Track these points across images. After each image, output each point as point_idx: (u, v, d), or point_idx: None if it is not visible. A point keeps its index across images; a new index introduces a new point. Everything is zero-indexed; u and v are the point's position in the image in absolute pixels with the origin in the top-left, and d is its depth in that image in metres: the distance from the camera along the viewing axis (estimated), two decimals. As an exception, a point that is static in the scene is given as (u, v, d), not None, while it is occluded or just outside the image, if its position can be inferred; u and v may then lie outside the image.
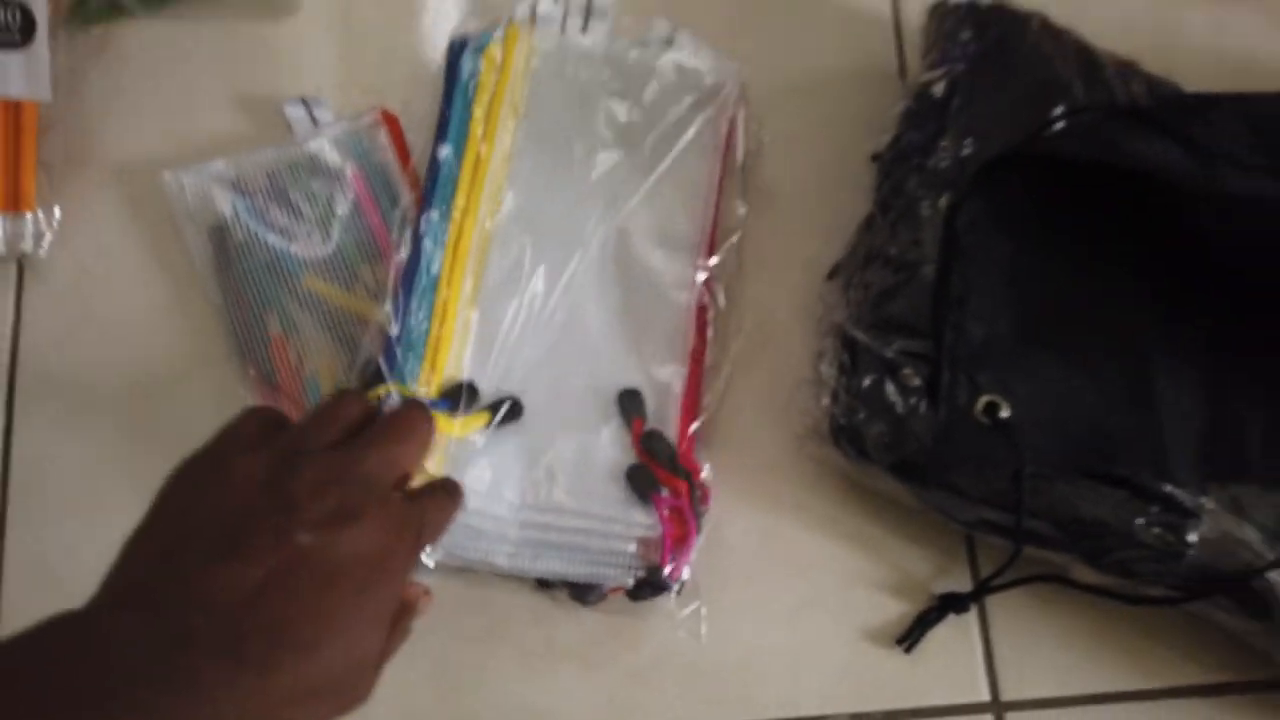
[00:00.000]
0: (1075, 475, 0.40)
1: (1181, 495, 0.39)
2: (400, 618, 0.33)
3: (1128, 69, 0.47)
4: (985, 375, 0.40)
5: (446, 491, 0.36)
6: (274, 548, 0.29)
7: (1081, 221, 0.44)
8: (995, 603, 0.44)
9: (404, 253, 0.45)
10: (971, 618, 0.44)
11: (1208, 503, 0.39)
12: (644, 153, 0.47)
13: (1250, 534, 0.39)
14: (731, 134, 0.48)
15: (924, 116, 0.45)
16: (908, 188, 0.44)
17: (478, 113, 0.47)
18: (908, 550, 0.45)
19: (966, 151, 0.44)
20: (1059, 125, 0.42)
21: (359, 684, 0.31)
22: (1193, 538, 0.39)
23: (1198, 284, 0.42)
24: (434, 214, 0.45)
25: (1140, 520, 0.39)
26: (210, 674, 0.27)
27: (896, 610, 0.44)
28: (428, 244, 0.45)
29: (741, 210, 0.48)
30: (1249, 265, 0.42)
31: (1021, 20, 0.47)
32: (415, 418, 0.35)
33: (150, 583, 0.29)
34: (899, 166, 0.44)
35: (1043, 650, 0.44)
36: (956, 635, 0.44)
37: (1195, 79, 0.47)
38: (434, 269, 0.44)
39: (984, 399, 0.40)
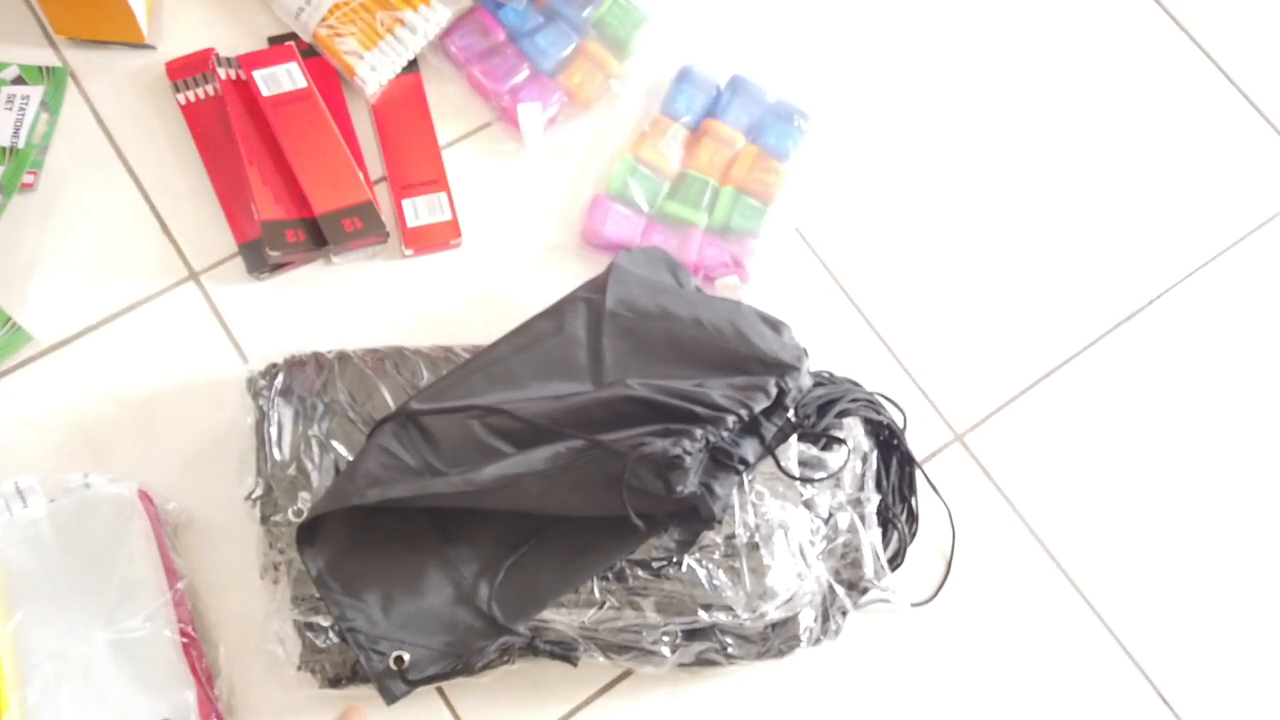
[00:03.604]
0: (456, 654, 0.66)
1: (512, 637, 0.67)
2: None
3: (390, 361, 0.76)
4: (384, 644, 0.65)
5: None
6: None
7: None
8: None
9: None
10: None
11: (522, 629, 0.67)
12: (97, 566, 0.69)
13: (560, 625, 0.67)
14: (155, 524, 0.71)
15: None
16: (276, 517, 0.69)
17: (-28, 608, 0.66)
18: None
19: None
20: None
21: None
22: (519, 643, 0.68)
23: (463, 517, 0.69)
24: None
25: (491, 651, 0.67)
26: None
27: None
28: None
29: (181, 563, 0.71)
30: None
31: (300, 369, 0.73)
32: None
33: None
34: (265, 500, 0.70)
35: None
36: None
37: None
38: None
39: (394, 655, 0.65)
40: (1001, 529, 0.81)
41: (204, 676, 0.68)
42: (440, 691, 0.72)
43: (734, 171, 0.87)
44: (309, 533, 0.66)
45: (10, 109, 0.85)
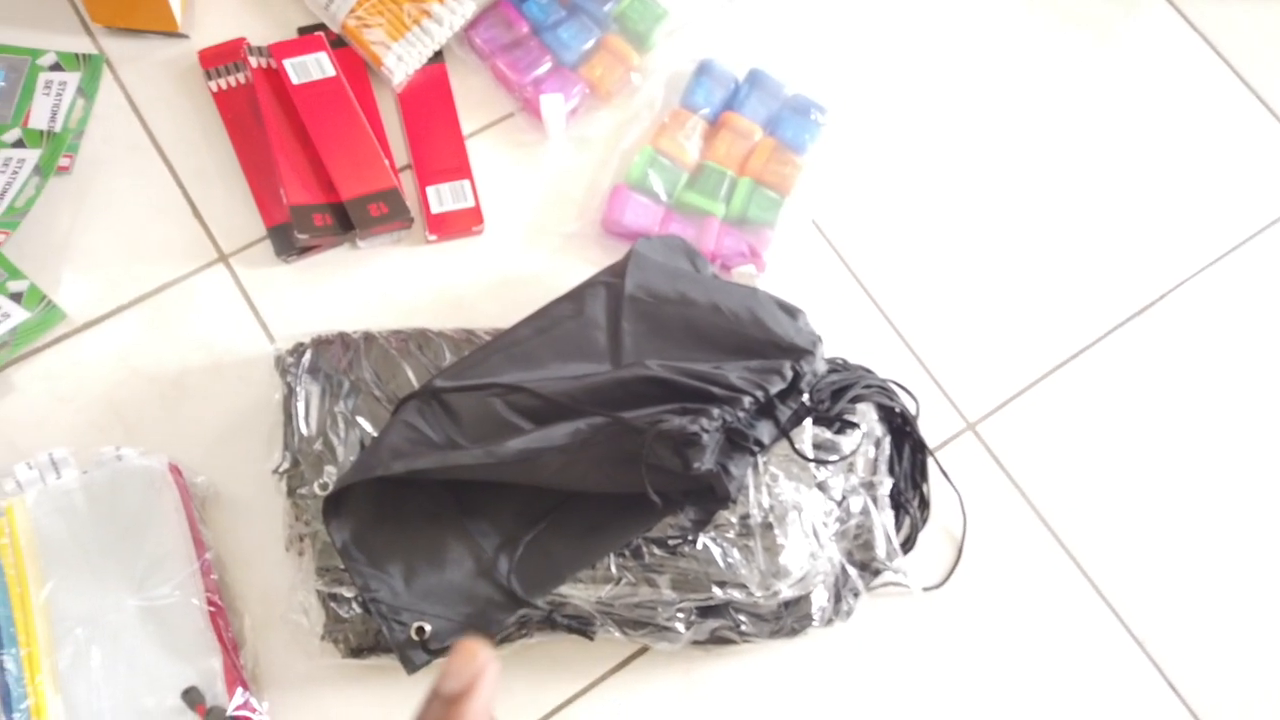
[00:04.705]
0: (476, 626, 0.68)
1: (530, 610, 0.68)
2: None
3: (414, 342, 0.77)
4: (406, 615, 0.66)
5: None
6: None
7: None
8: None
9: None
10: None
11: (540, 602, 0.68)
12: (129, 536, 0.71)
13: (577, 600, 0.69)
14: (184, 496, 0.73)
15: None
16: (302, 490, 0.71)
17: (10, 573, 0.69)
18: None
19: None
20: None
21: None
22: (537, 616, 0.70)
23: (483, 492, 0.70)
24: (7, 656, 0.66)
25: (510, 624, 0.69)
26: None
27: None
28: (11, 670, 0.66)
29: (209, 535, 0.73)
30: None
31: (326, 348, 0.75)
32: (461, 666, 0.38)
33: None
34: (292, 474, 0.72)
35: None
36: None
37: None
38: (22, 688, 0.65)
39: (415, 626, 0.67)
40: (1012, 517, 0.82)
41: (230, 645, 0.70)
42: (459, 665, 0.74)
43: (751, 163, 0.89)
44: (334, 505, 0.67)
45: (48, 94, 0.87)
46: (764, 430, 0.70)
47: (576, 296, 0.75)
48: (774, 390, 0.69)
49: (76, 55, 0.89)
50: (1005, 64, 0.98)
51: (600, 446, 0.65)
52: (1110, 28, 1.01)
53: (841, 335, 0.82)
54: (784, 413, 0.71)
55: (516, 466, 0.65)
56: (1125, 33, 1.01)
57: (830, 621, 0.72)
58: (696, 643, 0.71)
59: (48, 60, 0.89)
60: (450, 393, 0.70)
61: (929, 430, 0.83)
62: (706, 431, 0.63)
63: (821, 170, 0.90)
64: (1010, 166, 0.94)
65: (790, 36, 0.96)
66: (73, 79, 0.88)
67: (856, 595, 0.73)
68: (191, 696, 0.68)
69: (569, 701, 0.74)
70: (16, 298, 0.81)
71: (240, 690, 0.69)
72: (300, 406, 0.72)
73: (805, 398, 0.71)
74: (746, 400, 0.67)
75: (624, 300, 0.74)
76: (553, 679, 0.74)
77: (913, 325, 0.88)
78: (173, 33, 0.91)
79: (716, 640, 0.71)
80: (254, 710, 0.69)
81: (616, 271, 0.77)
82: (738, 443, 0.69)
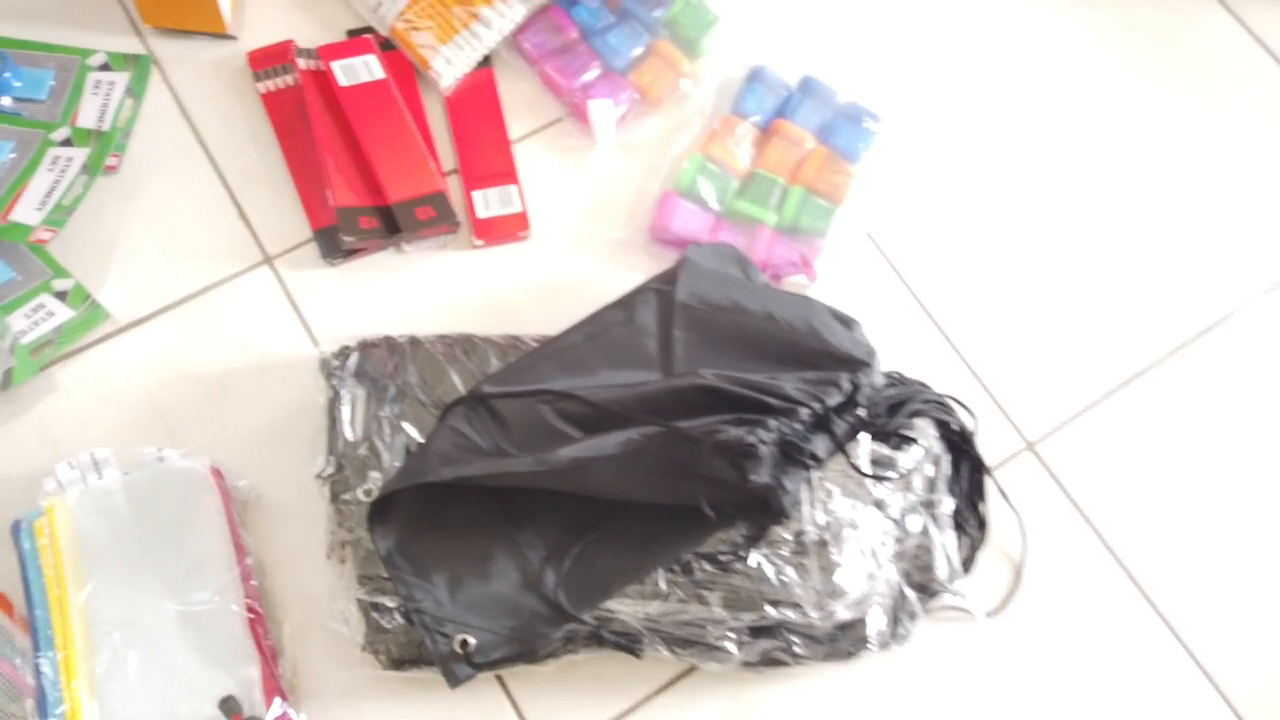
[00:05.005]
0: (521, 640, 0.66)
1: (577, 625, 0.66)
2: None
3: (460, 347, 0.76)
4: (450, 626, 0.65)
5: None
6: None
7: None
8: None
9: (31, 681, 0.64)
10: None
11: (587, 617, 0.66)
12: (169, 539, 0.70)
13: (625, 616, 0.67)
14: (226, 500, 0.71)
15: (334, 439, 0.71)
16: (345, 496, 0.70)
17: (49, 573, 0.67)
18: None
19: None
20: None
21: None
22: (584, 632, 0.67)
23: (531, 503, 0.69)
24: (44, 660, 0.65)
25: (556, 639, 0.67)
26: None
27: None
28: (48, 674, 0.65)
29: (250, 540, 0.72)
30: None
31: (372, 352, 0.74)
32: None
33: None
34: (335, 479, 0.70)
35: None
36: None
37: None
38: (58, 692, 0.64)
39: (459, 638, 0.65)
40: (1073, 541, 0.79)
41: (269, 653, 0.69)
42: (500, 680, 0.72)
43: (803, 171, 0.87)
44: (379, 512, 0.66)
45: (97, 94, 0.87)
46: (819, 444, 0.68)
47: (627, 303, 0.74)
48: (831, 402, 0.66)
49: (126, 55, 0.89)
50: (1066, 74, 0.96)
51: (653, 456, 0.63)
52: (1171, 38, 0.99)
53: (895, 349, 0.79)
54: (840, 426, 0.69)
55: (567, 475, 0.63)
56: (1187, 43, 0.99)
57: (886, 645, 0.69)
58: (747, 664, 0.69)
59: (97, 60, 0.89)
60: (498, 399, 0.68)
61: (986, 449, 0.80)
62: (764, 443, 0.61)
63: (875, 179, 0.88)
64: (1071, 178, 0.92)
65: (844, 44, 0.94)
66: (121, 79, 0.88)
67: (914, 618, 0.70)
68: (229, 705, 0.67)
69: (614, 720, 0.72)
70: (61, 296, 0.80)
71: (278, 700, 0.67)
72: (345, 411, 0.71)
73: (862, 411, 0.70)
74: (803, 412, 0.65)
75: (675, 307, 0.72)
76: (597, 698, 0.71)
77: (969, 340, 0.85)
78: (221, 34, 0.90)
79: (768, 662, 0.69)
80: (293, 721, 0.68)
81: (668, 278, 0.75)
82: (793, 456, 0.67)
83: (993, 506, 0.78)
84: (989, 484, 0.78)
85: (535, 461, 0.63)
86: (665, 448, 0.63)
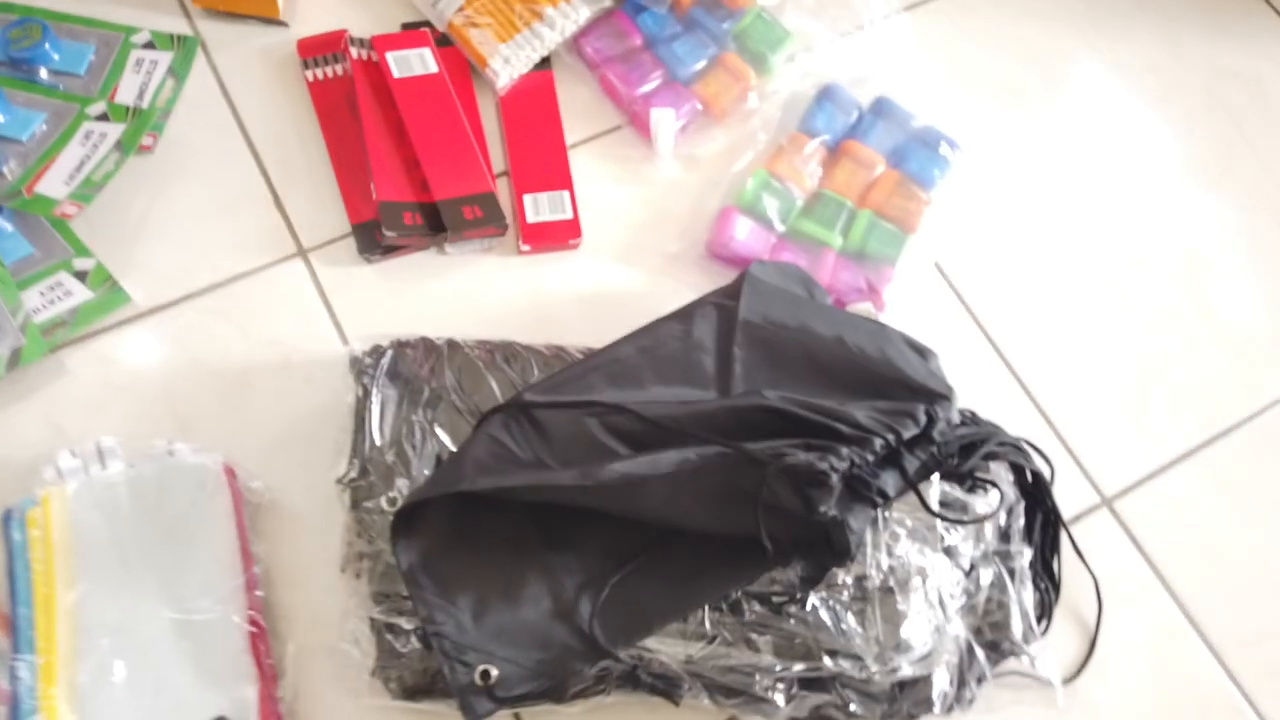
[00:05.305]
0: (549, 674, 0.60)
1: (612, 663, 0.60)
2: None
3: (501, 354, 0.71)
4: (472, 655, 0.58)
5: None
6: None
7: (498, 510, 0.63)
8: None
9: (6, 685, 0.59)
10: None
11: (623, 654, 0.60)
12: (173, 539, 0.64)
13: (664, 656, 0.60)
14: (237, 501, 0.66)
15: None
16: (368, 503, 0.64)
17: (38, 569, 0.62)
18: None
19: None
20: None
21: None
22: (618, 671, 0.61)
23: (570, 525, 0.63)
24: (21, 663, 0.59)
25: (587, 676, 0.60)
26: None
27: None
28: (24, 680, 0.59)
29: (259, 548, 0.66)
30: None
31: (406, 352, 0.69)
32: None
33: None
34: (359, 484, 0.65)
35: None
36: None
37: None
38: (33, 700, 0.58)
39: (480, 669, 0.58)
40: (1152, 607, 0.72)
41: (268, 673, 0.62)
42: (519, 720, 0.66)
43: (873, 195, 0.82)
44: (404, 523, 0.60)
45: (138, 72, 0.83)
46: (889, 481, 0.62)
47: (685, 316, 0.68)
48: (906, 434, 0.61)
49: (172, 36, 0.85)
50: (1162, 113, 0.91)
51: (711, 479, 0.57)
52: (1262, 84, 0.94)
53: (964, 390, 0.72)
54: (912, 463, 0.63)
55: (616, 494, 0.57)
56: (1277, 89, 0.94)
57: (950, 710, 0.62)
58: None
59: (141, 38, 0.85)
60: (541, 408, 0.63)
61: (1059, 502, 0.74)
62: (836, 471, 0.56)
63: (950, 209, 0.83)
64: (1161, 225, 0.86)
65: (922, 69, 0.90)
66: (165, 58, 0.84)
67: (981, 682, 0.63)
68: (221, 728, 0.61)
69: (642, 776, 0.65)
70: (81, 276, 0.76)
71: (276, 725, 0.62)
72: (375, 411, 0.65)
73: (935, 449, 0.64)
74: (877, 443, 0.59)
75: (737, 324, 0.67)
76: (625, 750, 0.66)
77: (1044, 385, 0.79)
78: (273, 20, 0.87)
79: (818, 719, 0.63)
80: (289, 750, 0.62)
81: (730, 293, 0.70)
82: (860, 492, 0.61)
83: (1065, 564, 0.72)
84: (1064, 540, 0.72)
85: (581, 475, 0.57)
86: (725, 470, 0.57)
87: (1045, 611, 0.69)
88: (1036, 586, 0.68)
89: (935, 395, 0.64)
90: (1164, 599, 0.73)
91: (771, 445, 0.57)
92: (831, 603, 0.61)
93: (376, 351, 0.69)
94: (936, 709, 0.61)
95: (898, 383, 0.64)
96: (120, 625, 0.62)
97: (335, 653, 0.64)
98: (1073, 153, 0.89)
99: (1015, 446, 0.69)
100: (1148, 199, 0.88)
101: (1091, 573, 0.71)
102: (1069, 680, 0.68)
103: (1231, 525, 0.75)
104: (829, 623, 0.60)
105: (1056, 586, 0.70)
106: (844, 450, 0.57)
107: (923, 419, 0.62)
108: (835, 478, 0.56)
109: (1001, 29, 0.94)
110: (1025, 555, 0.65)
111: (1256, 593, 0.73)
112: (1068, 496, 0.75)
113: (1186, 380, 0.81)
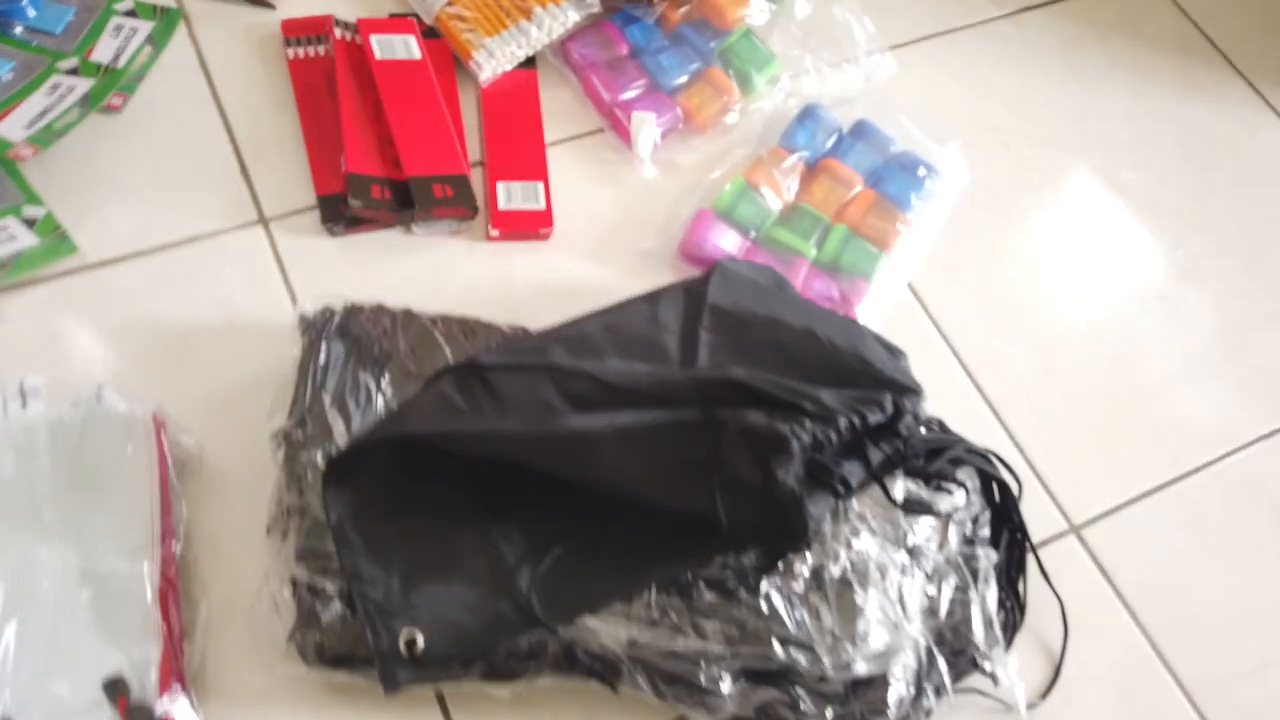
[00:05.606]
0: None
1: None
2: None
3: (459, 328, 0.68)
4: (398, 621, 0.54)
5: None
6: None
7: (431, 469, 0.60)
8: None
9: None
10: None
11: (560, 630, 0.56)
12: (89, 487, 0.60)
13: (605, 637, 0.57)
14: (161, 452, 0.62)
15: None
16: (302, 455, 0.60)
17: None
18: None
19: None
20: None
21: None
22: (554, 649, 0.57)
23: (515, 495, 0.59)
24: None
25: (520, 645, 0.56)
26: None
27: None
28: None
29: (182, 508, 0.62)
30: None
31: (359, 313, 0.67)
32: None
33: None
34: (294, 436, 0.61)
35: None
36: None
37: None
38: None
39: (405, 636, 0.55)
40: (1120, 638, 0.69)
41: (176, 633, 0.57)
42: (442, 705, 0.60)
43: (849, 212, 0.81)
44: (338, 474, 0.56)
45: (116, 37, 0.82)
46: (852, 471, 0.59)
47: (652, 298, 0.66)
48: (871, 419, 0.58)
49: (154, 6, 0.85)
50: (1136, 161, 0.92)
51: (666, 443, 0.55)
52: (1234, 142, 0.96)
53: (933, 409, 0.70)
54: (876, 455, 0.60)
55: (564, 450, 0.54)
56: (1247, 150, 0.96)
57: (906, 718, 0.59)
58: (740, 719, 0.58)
59: (124, 6, 0.84)
60: (496, 370, 0.60)
61: (1027, 525, 0.71)
62: (797, 438, 0.53)
63: (924, 232, 0.82)
64: (1133, 265, 0.87)
65: (903, 100, 0.90)
66: (145, 27, 0.83)
67: (940, 692, 0.60)
68: (115, 688, 0.55)
69: (571, 777, 0.60)
70: (30, 223, 0.72)
71: (176, 688, 0.55)
72: (320, 363, 0.62)
73: (900, 443, 0.61)
74: (841, 422, 0.57)
75: (705, 307, 0.65)
76: (551, 746, 0.61)
77: (1014, 411, 0.77)
78: (260, 2, 0.87)
79: (765, 718, 0.58)
80: (188, 717, 0.56)
81: (700, 281, 0.68)
82: (822, 480, 0.58)
83: (1031, 588, 0.69)
84: (1030, 562, 0.69)
85: (529, 425, 0.54)
86: (681, 433, 0.54)
87: (1010, 631, 0.65)
88: (1002, 605, 0.65)
89: (904, 389, 0.62)
90: (1132, 630, 0.69)
91: (733, 411, 0.55)
92: (786, 591, 0.57)
93: (327, 312, 0.66)
94: (892, 714, 0.57)
95: (866, 375, 0.62)
96: (20, 572, 0.57)
97: (251, 621, 0.59)
98: (1048, 190, 0.89)
99: (983, 455, 0.67)
100: (1121, 240, 0.88)
101: (1057, 595, 0.68)
102: (1033, 706, 0.65)
103: (1202, 562, 0.73)
104: (782, 611, 0.56)
105: (1022, 607, 0.66)
106: (807, 423, 0.55)
107: (889, 408, 0.59)
108: (796, 445, 0.53)
109: (983, 73, 0.96)
110: (990, 557, 0.62)
111: (1227, 632, 0.70)
112: (1035, 520, 0.72)
113: (1158, 416, 0.79)
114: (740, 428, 0.53)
